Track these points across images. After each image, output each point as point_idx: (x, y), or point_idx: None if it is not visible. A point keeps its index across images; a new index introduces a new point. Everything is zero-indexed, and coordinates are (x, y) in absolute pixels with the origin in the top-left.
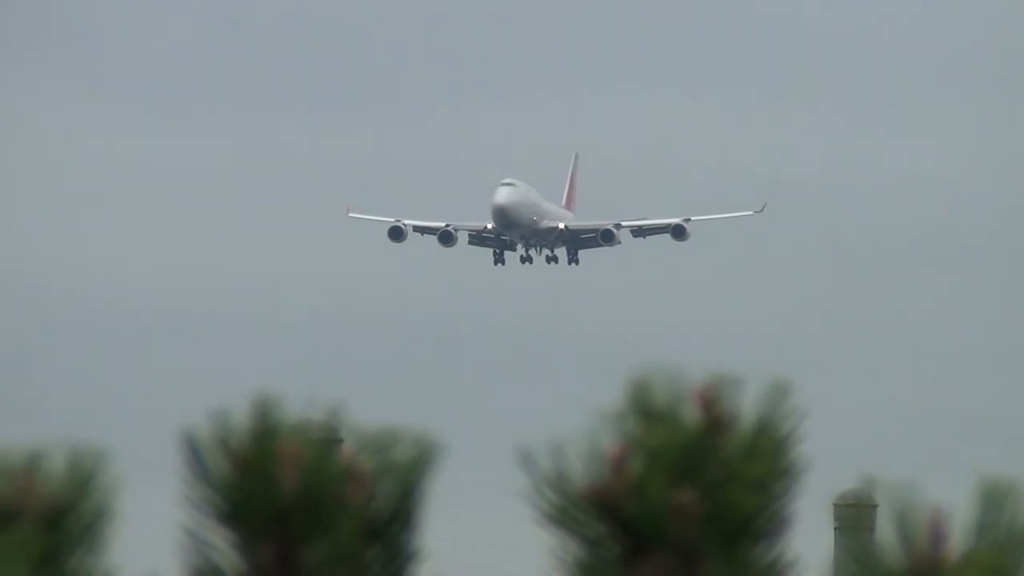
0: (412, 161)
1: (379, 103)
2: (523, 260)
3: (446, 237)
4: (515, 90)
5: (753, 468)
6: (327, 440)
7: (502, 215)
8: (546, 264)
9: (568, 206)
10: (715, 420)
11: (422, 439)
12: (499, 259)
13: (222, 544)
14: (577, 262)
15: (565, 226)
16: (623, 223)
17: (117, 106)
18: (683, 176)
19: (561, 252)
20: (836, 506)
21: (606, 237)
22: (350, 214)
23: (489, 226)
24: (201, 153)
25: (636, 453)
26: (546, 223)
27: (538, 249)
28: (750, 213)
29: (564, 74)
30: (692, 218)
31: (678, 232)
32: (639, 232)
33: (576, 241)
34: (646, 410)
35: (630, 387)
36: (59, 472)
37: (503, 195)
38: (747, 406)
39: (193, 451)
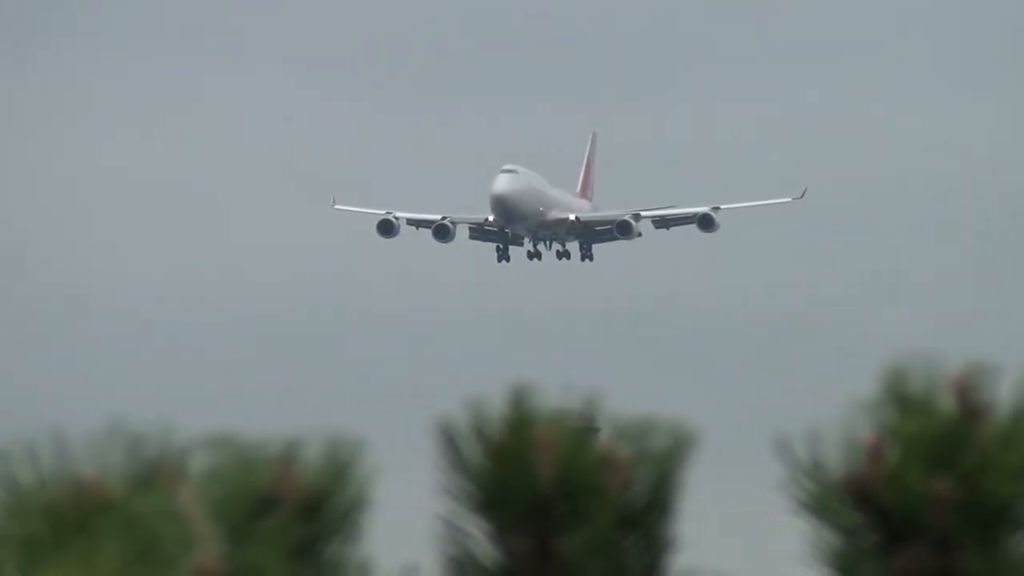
0: (421, 152)
1: (388, 96)
2: (530, 256)
3: (442, 232)
4: (528, 83)
5: (1010, 456)
6: (584, 429)
7: (502, 206)
8: (556, 260)
9: (583, 194)
10: (972, 408)
11: (679, 428)
12: (503, 255)
13: (478, 534)
14: (591, 257)
15: (576, 217)
16: (643, 213)
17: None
18: (714, 163)
19: (574, 246)
20: None
21: (623, 229)
22: (336, 206)
23: (491, 218)
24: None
25: (892, 442)
26: (554, 214)
27: (547, 243)
28: (788, 200)
29: (575, 70)
30: (722, 206)
31: (705, 222)
32: (662, 223)
33: (590, 234)
34: (902, 398)
35: (886, 375)
36: (316, 462)
37: (503, 183)
38: (1004, 394)
39: (449, 440)
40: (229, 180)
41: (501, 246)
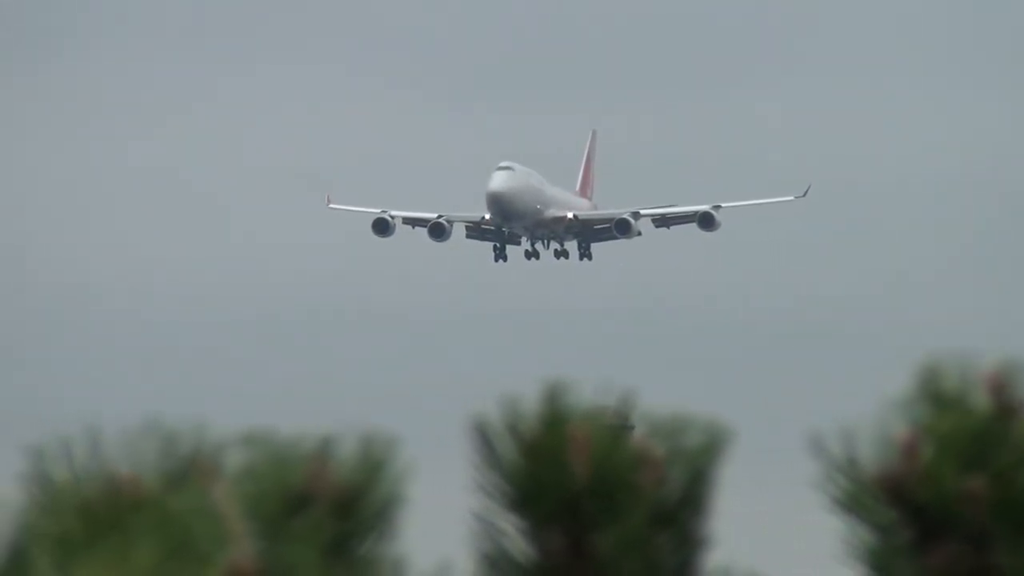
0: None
1: (392, 92)
2: (528, 255)
3: (437, 230)
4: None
5: None
6: (618, 426)
7: (498, 203)
8: (555, 260)
9: (583, 192)
10: (1006, 405)
11: (713, 425)
12: (500, 255)
13: (512, 531)
14: (590, 256)
15: (574, 215)
16: (643, 211)
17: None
18: (714, 163)
19: (573, 245)
20: None
21: (622, 228)
22: (330, 205)
23: (487, 217)
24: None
25: (926, 439)
26: (552, 212)
27: (545, 242)
28: (791, 198)
29: (575, 70)
30: (723, 205)
31: (706, 221)
32: (662, 221)
33: (588, 232)
34: (936, 396)
35: (920, 373)
36: (350, 459)
37: (498, 180)
38: None
39: (483, 437)
40: (229, 180)
41: (498, 245)
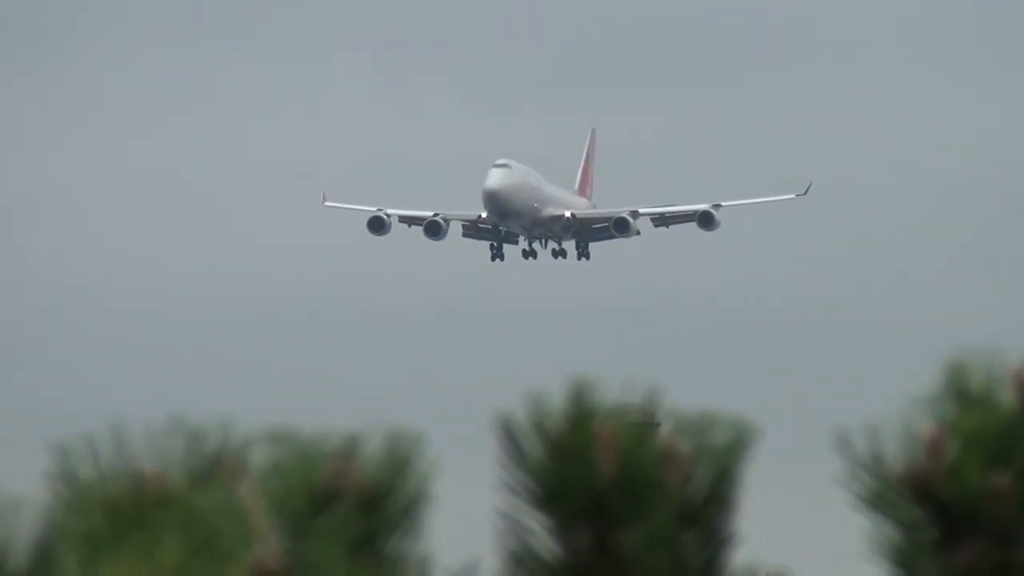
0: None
1: (390, 91)
2: (525, 255)
3: (433, 229)
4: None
5: None
6: (644, 423)
7: (494, 201)
8: (552, 259)
9: (582, 191)
10: None
11: (740, 422)
12: (497, 254)
13: (538, 529)
14: (588, 256)
15: (572, 214)
16: (642, 210)
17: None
18: (714, 162)
19: (571, 245)
20: None
21: (620, 227)
22: (326, 203)
23: (484, 215)
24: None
25: (951, 436)
26: (550, 211)
27: (543, 242)
28: (791, 196)
29: (575, 70)
30: (723, 204)
31: (705, 220)
32: (661, 221)
33: (586, 231)
34: (961, 393)
35: (946, 370)
36: (376, 456)
37: (495, 178)
38: None
39: (509, 435)
40: (229, 180)
41: (495, 244)
